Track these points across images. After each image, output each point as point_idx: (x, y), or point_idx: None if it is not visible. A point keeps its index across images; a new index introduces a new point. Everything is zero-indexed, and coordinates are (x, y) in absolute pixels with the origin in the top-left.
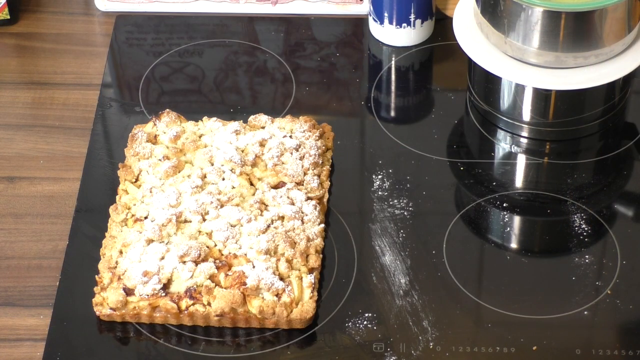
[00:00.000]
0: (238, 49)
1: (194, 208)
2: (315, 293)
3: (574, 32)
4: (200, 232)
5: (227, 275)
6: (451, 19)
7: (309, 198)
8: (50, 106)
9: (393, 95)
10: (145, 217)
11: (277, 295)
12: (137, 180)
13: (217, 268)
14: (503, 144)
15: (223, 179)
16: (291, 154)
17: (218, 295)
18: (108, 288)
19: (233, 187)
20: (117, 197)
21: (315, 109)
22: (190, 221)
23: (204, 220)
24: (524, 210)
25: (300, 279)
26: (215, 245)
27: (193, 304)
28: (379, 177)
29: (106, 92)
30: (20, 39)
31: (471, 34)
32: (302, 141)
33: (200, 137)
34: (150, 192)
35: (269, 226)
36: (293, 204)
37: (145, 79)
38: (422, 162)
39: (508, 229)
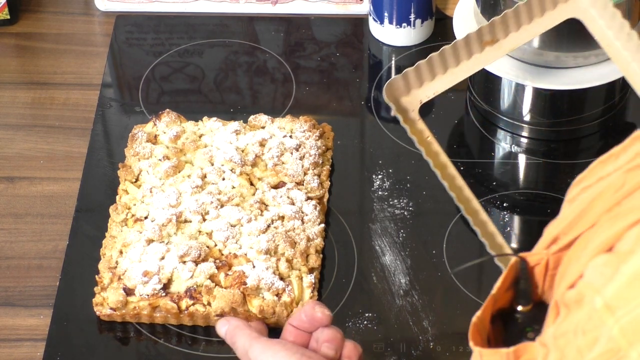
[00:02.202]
0: (238, 49)
1: (194, 208)
2: (316, 293)
3: (574, 32)
4: (200, 232)
5: (227, 275)
6: (451, 19)
7: (309, 198)
8: (50, 106)
9: None
10: (145, 217)
11: (277, 295)
12: (137, 180)
13: (217, 268)
14: (503, 144)
15: (223, 179)
16: (291, 154)
17: (218, 295)
18: (108, 288)
19: (233, 187)
20: (117, 197)
21: (315, 109)
22: (190, 221)
23: (204, 220)
24: (524, 210)
25: (301, 278)
26: (216, 245)
27: (193, 304)
28: (379, 177)
29: (106, 92)
30: (20, 39)
31: None
32: (302, 141)
33: (200, 137)
34: (150, 192)
35: (269, 226)
36: (293, 204)
37: (145, 79)
38: (422, 162)
39: (508, 229)
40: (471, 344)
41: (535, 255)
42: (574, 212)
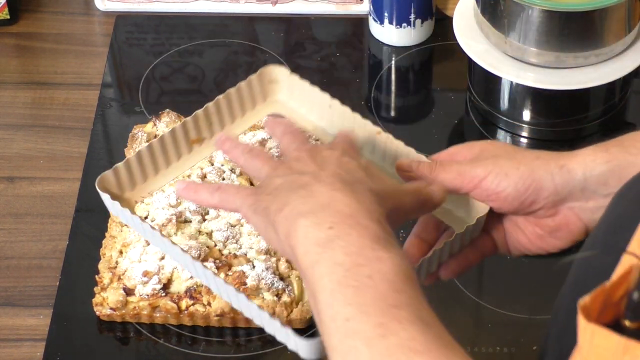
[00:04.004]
0: (238, 49)
1: (194, 208)
2: None
3: (574, 32)
4: (200, 232)
5: (227, 275)
6: (451, 19)
7: None
8: (50, 106)
9: (393, 95)
10: (145, 217)
11: (277, 295)
12: None
13: (217, 268)
14: None
15: (223, 179)
16: None
17: (218, 296)
18: (108, 288)
19: None
20: None
21: None
22: (190, 221)
23: (204, 220)
24: None
25: (301, 279)
26: (215, 245)
27: (193, 304)
28: None
29: (106, 92)
30: (20, 39)
31: (471, 34)
32: None
33: None
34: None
35: None
36: None
37: (145, 79)
38: None
39: None
40: (582, 320)
41: None
42: None
